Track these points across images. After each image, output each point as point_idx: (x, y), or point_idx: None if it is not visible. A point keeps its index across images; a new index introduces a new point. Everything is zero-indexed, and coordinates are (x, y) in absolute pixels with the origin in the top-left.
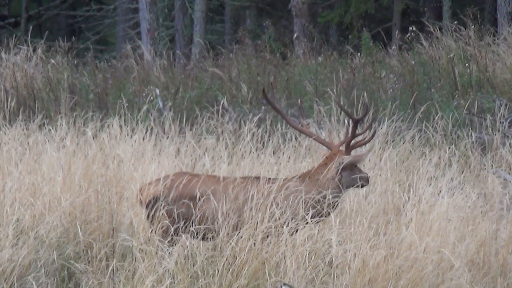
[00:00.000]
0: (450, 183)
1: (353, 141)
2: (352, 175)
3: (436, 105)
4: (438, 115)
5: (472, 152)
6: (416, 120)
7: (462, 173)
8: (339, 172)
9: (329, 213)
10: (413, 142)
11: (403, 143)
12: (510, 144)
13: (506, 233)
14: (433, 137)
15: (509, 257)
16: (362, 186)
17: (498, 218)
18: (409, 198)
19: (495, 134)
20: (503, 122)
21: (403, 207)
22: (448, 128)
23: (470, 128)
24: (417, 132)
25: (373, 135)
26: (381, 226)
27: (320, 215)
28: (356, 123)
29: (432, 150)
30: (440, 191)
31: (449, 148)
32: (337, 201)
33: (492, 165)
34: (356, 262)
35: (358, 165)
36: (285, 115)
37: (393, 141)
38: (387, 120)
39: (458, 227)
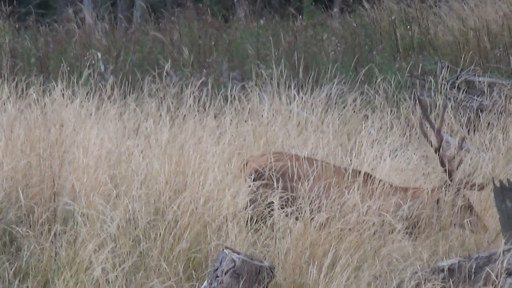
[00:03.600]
0: (392, 146)
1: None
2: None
3: (378, 67)
4: (380, 78)
5: (414, 114)
6: (358, 82)
7: (404, 135)
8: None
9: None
10: (355, 105)
11: (345, 106)
12: (451, 106)
13: (448, 195)
14: (375, 99)
15: (450, 218)
16: (472, 231)
17: (441, 180)
18: (351, 162)
19: (437, 96)
20: (444, 84)
21: (345, 170)
22: (390, 91)
23: (412, 90)
24: (359, 94)
25: (484, 185)
26: (324, 189)
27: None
28: (437, 151)
29: (374, 113)
30: (382, 154)
31: (391, 111)
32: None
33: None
34: (297, 226)
35: (473, 210)
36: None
37: (335, 104)
38: (329, 83)
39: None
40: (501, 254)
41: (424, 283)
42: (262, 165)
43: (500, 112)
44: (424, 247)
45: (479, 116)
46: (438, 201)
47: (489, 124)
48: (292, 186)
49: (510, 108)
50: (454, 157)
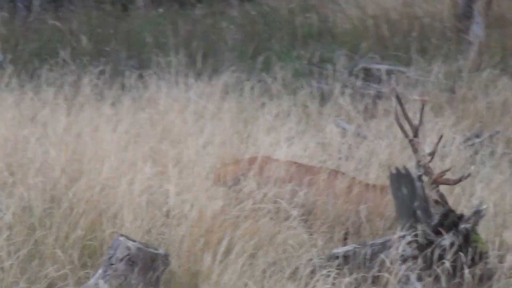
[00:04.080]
0: (289, 133)
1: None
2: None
3: (276, 55)
4: (278, 66)
5: (311, 101)
6: (256, 70)
7: (301, 122)
8: None
9: None
10: (252, 93)
11: (243, 93)
12: (349, 93)
13: (343, 182)
14: (273, 87)
15: (346, 206)
16: None
17: (336, 167)
18: (247, 149)
19: (335, 84)
20: (342, 72)
21: (242, 157)
22: (287, 78)
23: (310, 78)
24: (257, 82)
25: (460, 179)
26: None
27: None
28: (411, 142)
29: (272, 100)
30: (279, 141)
31: (288, 98)
32: None
33: (330, 114)
34: (193, 213)
35: (447, 203)
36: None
37: (232, 92)
38: (227, 71)
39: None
40: (396, 241)
41: (319, 270)
42: (238, 171)
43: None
44: (319, 234)
45: (377, 103)
46: None
47: (386, 111)
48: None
49: (407, 95)
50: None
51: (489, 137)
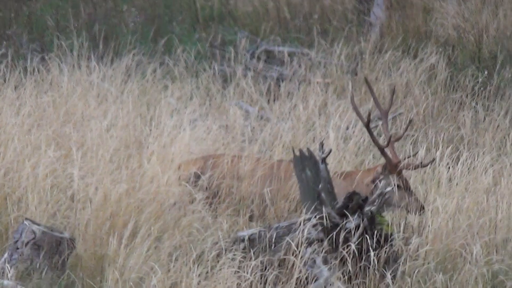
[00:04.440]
0: (192, 116)
1: (408, 163)
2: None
3: (178, 38)
4: (179, 48)
5: (214, 84)
6: (158, 53)
7: (204, 105)
8: (375, 183)
9: None
10: (155, 75)
11: (145, 76)
12: (251, 76)
13: (248, 165)
14: (175, 70)
15: (250, 189)
16: (409, 212)
17: (240, 150)
18: (151, 131)
19: (237, 66)
20: (244, 54)
21: (145, 140)
22: (189, 61)
23: (212, 61)
24: (159, 65)
25: (426, 164)
26: (123, 159)
27: None
28: (367, 127)
29: (175, 83)
30: (182, 124)
31: (191, 81)
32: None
33: (233, 97)
34: (98, 196)
35: (409, 188)
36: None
37: (135, 75)
38: (129, 54)
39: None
40: (301, 224)
41: (225, 253)
42: (198, 168)
43: (299, 82)
44: (224, 218)
45: (279, 85)
46: (374, 180)
47: (289, 93)
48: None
49: (310, 77)
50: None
51: (392, 118)
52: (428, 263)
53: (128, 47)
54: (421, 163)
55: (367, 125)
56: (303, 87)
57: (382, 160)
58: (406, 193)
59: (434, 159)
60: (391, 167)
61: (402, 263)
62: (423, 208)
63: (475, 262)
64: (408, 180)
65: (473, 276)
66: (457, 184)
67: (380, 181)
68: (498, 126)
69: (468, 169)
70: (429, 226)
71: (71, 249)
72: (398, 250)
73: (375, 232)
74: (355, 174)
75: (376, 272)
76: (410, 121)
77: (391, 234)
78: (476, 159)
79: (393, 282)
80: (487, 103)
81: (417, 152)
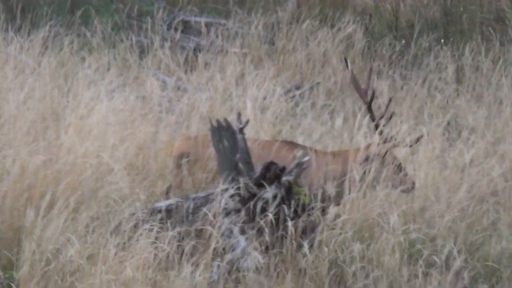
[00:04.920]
0: (109, 87)
1: (392, 141)
2: (381, 171)
3: (94, 9)
4: (96, 19)
5: (131, 55)
6: (75, 25)
7: (122, 76)
8: (367, 161)
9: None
10: (72, 47)
11: (62, 48)
12: (168, 46)
13: (165, 135)
14: (92, 41)
15: (168, 160)
16: (403, 191)
17: (157, 121)
18: (68, 103)
19: (155, 37)
20: (162, 25)
21: (62, 112)
22: (107, 32)
23: (130, 32)
24: (76, 36)
25: (416, 140)
26: (40, 131)
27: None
28: (369, 107)
29: (92, 54)
30: (99, 95)
31: (108, 52)
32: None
33: (150, 67)
34: (15, 168)
35: (400, 166)
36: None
37: (52, 47)
38: (46, 26)
39: (117, 131)
40: (219, 194)
41: (142, 224)
42: (187, 148)
43: (217, 52)
44: (142, 188)
45: (197, 56)
46: (367, 159)
47: (206, 63)
48: None
49: (227, 47)
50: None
51: (309, 88)
52: (346, 232)
53: (45, 18)
54: (410, 140)
55: (368, 105)
56: (221, 58)
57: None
58: (397, 171)
59: (421, 135)
60: (383, 146)
61: (320, 232)
62: (414, 185)
63: (392, 231)
64: (398, 158)
65: (390, 245)
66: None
67: (372, 160)
68: (415, 95)
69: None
70: (346, 195)
71: None
72: (315, 219)
73: (293, 202)
74: (347, 153)
75: (294, 241)
76: (390, 99)
77: (309, 204)
78: (393, 127)
79: (310, 252)
80: (404, 72)
81: (400, 129)
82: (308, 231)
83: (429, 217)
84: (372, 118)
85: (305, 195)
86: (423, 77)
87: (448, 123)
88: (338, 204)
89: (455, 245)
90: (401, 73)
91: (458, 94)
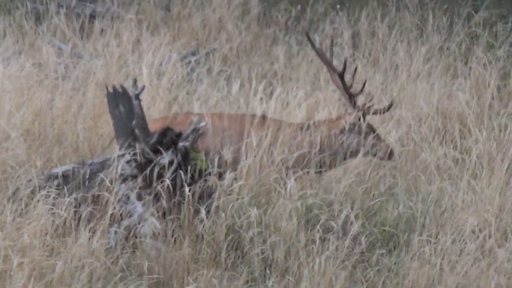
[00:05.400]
0: (5, 54)
1: (367, 109)
2: (360, 141)
3: None
4: None
5: (27, 22)
6: None
7: (17, 43)
8: (344, 131)
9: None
10: None
11: None
12: (64, 13)
13: (61, 102)
14: None
15: (64, 126)
16: (381, 159)
17: (53, 88)
18: None
19: (50, 4)
20: None
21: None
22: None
23: None
24: None
25: (390, 106)
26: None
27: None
28: (341, 77)
29: None
30: None
31: (3, 19)
32: (336, 159)
33: (46, 34)
34: None
35: (377, 134)
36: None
37: None
38: None
39: (14, 98)
40: (115, 160)
41: (39, 190)
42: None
43: (113, 18)
44: (38, 154)
45: (93, 22)
46: (343, 130)
47: (102, 30)
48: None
49: (123, 14)
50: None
51: (205, 54)
52: (242, 198)
53: None
54: (384, 107)
55: (341, 76)
56: (116, 24)
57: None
58: (375, 139)
59: (393, 101)
60: (360, 115)
61: (217, 198)
62: (393, 152)
63: (289, 196)
64: (375, 126)
65: (287, 210)
66: (271, 118)
67: (350, 129)
68: (311, 60)
69: (282, 104)
70: (243, 161)
71: None
72: (212, 185)
73: (189, 167)
74: (323, 123)
75: (191, 207)
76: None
77: (205, 169)
78: (290, 93)
79: (207, 217)
80: (300, 37)
81: (372, 97)
82: (205, 196)
83: (326, 182)
84: (345, 88)
85: (201, 160)
86: (319, 42)
87: None
88: (235, 170)
89: (352, 210)
90: (297, 38)
91: (354, 60)
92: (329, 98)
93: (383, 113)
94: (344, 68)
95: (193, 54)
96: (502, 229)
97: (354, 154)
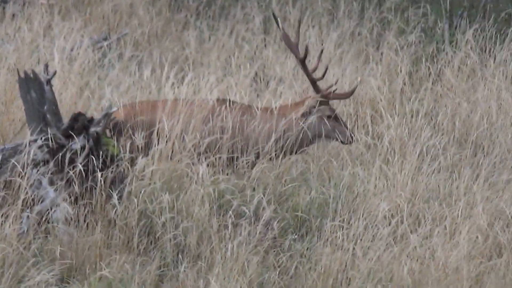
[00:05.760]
0: None
1: (328, 93)
2: (321, 125)
3: None
4: None
5: None
6: None
7: None
8: (305, 115)
9: (292, 152)
10: None
11: None
12: None
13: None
14: None
15: None
16: (342, 143)
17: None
18: None
19: None
20: None
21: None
22: None
23: None
24: None
25: (353, 90)
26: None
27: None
28: (303, 63)
29: None
30: None
31: None
32: (300, 144)
33: None
34: None
35: (338, 118)
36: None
37: None
38: None
39: None
40: (27, 145)
41: None
42: (124, 116)
43: (24, 3)
44: None
45: (3, 7)
46: (303, 115)
47: (13, 15)
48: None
49: None
50: (316, 68)
51: (117, 39)
52: (154, 183)
53: None
54: (347, 92)
55: (302, 61)
56: (28, 9)
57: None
58: (337, 123)
59: (356, 86)
60: (323, 99)
61: (129, 183)
62: (353, 138)
63: (202, 181)
64: (336, 110)
65: (199, 196)
66: (182, 104)
67: (311, 113)
68: (223, 45)
69: (194, 89)
70: (155, 146)
71: None
72: (124, 170)
73: (101, 152)
74: (286, 108)
75: (103, 192)
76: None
77: (117, 155)
78: (201, 79)
79: (119, 203)
80: (211, 22)
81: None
82: (117, 182)
83: (238, 167)
84: (307, 73)
85: (113, 146)
86: (230, 28)
87: (256, 74)
88: (147, 155)
89: (264, 195)
90: (208, 24)
91: (265, 45)
92: (241, 83)
93: (346, 97)
94: (306, 54)
95: (105, 39)
96: (414, 214)
97: (316, 138)
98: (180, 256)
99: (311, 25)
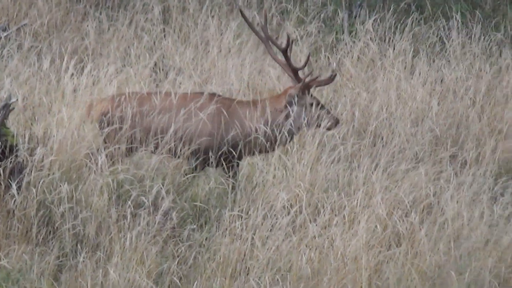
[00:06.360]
0: None
1: (310, 81)
2: (306, 114)
3: None
4: None
5: None
6: None
7: None
8: (288, 106)
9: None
10: None
11: None
12: None
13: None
14: None
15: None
16: (328, 129)
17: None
18: None
19: None
20: None
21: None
22: None
23: None
24: None
25: (331, 78)
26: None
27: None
28: (285, 53)
29: None
30: None
31: None
32: (284, 135)
33: None
34: None
35: (322, 106)
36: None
37: None
38: None
39: None
40: None
41: None
42: (108, 108)
43: None
44: None
45: None
46: (287, 105)
47: None
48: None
49: None
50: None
51: (16, 30)
52: (53, 173)
53: None
54: (327, 79)
55: (285, 51)
56: None
57: None
58: (321, 111)
59: (335, 73)
60: (304, 88)
61: (27, 173)
62: (338, 121)
63: (101, 171)
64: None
65: (98, 186)
66: (82, 95)
67: (294, 103)
68: (122, 36)
69: (94, 80)
70: (54, 137)
71: None
72: (23, 161)
73: (0, 143)
74: (266, 100)
75: (1, 182)
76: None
77: (16, 145)
78: (101, 69)
79: (18, 193)
80: (111, 13)
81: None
82: (16, 172)
83: (137, 158)
84: (289, 63)
85: (12, 136)
86: (129, 18)
87: (155, 64)
88: (46, 145)
89: (163, 185)
90: (108, 14)
91: (164, 35)
92: (140, 74)
93: (326, 84)
94: (288, 44)
95: (4, 30)
96: (313, 204)
97: (301, 127)
98: (79, 246)
99: (210, 16)
